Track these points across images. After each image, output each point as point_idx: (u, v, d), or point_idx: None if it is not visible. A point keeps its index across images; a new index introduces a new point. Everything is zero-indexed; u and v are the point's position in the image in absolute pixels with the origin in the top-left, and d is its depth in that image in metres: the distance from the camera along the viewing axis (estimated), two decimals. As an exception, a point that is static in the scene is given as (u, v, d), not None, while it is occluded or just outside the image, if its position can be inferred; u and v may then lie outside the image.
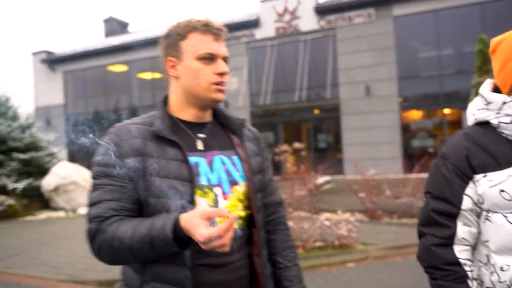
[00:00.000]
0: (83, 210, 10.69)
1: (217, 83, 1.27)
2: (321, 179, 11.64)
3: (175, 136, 1.25)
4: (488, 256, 1.20)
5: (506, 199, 1.14)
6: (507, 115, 1.17)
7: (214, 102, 1.31)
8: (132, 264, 1.24)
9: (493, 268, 1.18)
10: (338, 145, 14.79)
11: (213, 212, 1.04)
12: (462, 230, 1.21)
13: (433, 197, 1.26)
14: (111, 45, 18.45)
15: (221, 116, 1.41)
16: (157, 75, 17.95)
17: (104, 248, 1.15)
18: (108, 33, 22.32)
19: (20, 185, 10.86)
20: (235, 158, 1.34)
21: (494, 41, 1.27)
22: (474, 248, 1.24)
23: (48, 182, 11.04)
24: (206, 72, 1.26)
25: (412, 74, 13.84)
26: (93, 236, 1.16)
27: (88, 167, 13.54)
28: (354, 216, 7.94)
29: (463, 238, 1.21)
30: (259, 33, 15.71)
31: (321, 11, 14.63)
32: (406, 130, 13.93)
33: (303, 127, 16.08)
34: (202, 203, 1.13)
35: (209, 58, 1.26)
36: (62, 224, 9.06)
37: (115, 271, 5.13)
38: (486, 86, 1.28)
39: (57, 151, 12.87)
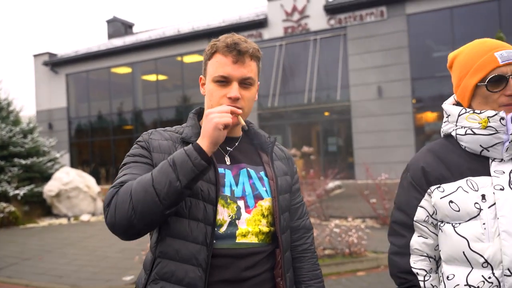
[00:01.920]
0: (85, 217, 10.39)
1: None
2: (331, 184, 11.49)
3: None
4: (440, 265, 1.24)
5: (454, 210, 1.16)
6: (463, 127, 1.19)
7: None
8: (144, 262, 1.25)
9: (442, 277, 1.21)
10: (349, 148, 14.39)
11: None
12: (417, 241, 1.24)
13: (395, 207, 1.31)
14: (114, 46, 18.10)
15: (251, 132, 1.40)
16: (161, 77, 17.57)
17: (120, 200, 1.10)
18: (112, 35, 22.01)
19: (21, 192, 10.55)
20: (262, 174, 1.33)
21: (450, 56, 1.29)
22: (436, 259, 1.26)
23: (50, 188, 10.71)
24: (218, 94, 1.25)
25: (427, 74, 13.41)
26: (111, 198, 1.13)
27: (91, 172, 13.18)
28: (365, 223, 7.83)
29: (417, 249, 1.24)
30: (267, 33, 15.33)
31: (331, 9, 14.23)
32: (420, 133, 13.52)
33: (312, 130, 15.68)
34: (224, 213, 1.19)
35: (224, 81, 1.25)
36: (64, 232, 8.85)
37: (117, 281, 5.19)
38: (450, 99, 1.31)
39: (59, 156, 12.55)
